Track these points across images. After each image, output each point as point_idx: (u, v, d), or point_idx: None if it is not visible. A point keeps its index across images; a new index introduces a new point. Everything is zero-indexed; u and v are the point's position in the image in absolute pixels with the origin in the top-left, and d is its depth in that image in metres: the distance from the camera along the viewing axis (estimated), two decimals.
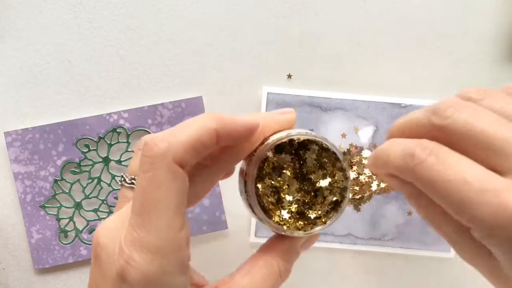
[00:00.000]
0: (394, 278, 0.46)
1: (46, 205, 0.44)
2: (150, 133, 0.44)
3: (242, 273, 0.29)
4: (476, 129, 0.23)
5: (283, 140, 0.29)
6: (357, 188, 0.44)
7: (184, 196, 0.26)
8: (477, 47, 0.45)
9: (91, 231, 0.44)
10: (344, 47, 0.45)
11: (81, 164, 0.44)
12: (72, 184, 0.44)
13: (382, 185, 0.44)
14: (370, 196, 0.44)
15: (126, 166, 0.44)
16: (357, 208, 0.44)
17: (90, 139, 0.44)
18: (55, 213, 0.44)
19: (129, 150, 0.44)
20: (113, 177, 0.44)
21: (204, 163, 0.29)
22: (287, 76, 0.45)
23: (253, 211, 0.31)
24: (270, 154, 0.30)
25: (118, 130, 0.44)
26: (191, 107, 0.44)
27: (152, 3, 0.44)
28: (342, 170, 0.30)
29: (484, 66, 0.45)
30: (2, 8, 0.44)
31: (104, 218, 0.44)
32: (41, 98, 0.44)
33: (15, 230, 0.45)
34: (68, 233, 0.44)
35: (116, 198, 0.44)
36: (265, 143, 0.30)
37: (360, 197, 0.44)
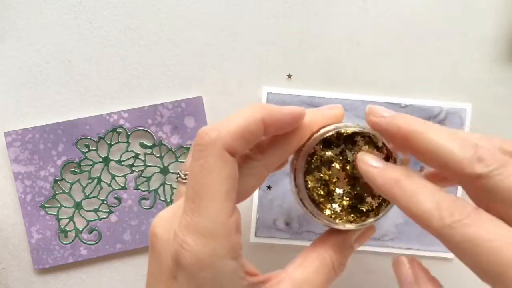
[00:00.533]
0: (394, 278, 0.46)
1: (46, 205, 0.44)
2: (150, 133, 0.44)
3: (295, 265, 0.29)
4: None
5: (331, 133, 0.29)
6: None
7: (235, 182, 0.27)
8: (477, 47, 0.45)
9: (91, 231, 0.44)
10: (344, 47, 0.45)
11: (81, 164, 0.44)
12: (72, 184, 0.44)
13: None
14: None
15: (126, 166, 0.44)
16: None
17: (90, 139, 0.44)
18: (55, 213, 0.44)
19: (129, 150, 0.44)
20: (113, 177, 0.44)
21: (254, 157, 0.29)
22: (287, 76, 0.45)
23: (304, 205, 0.30)
24: (318, 147, 0.30)
25: (118, 130, 0.44)
26: (191, 107, 0.44)
27: (152, 3, 0.44)
28: (393, 160, 0.29)
29: (484, 66, 0.45)
30: (2, 8, 0.44)
31: (104, 218, 0.44)
32: (41, 98, 0.44)
33: (15, 230, 0.45)
34: (68, 233, 0.44)
35: (116, 198, 0.44)
36: (313, 137, 0.30)
37: None
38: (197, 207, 0.26)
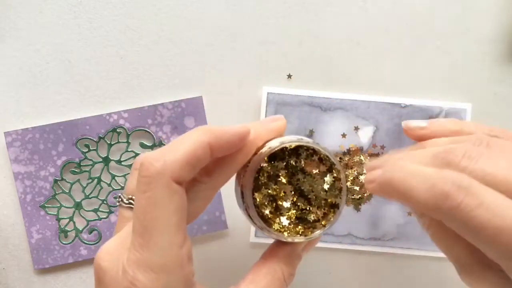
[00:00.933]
0: (394, 278, 0.46)
1: (46, 205, 0.44)
2: (150, 133, 0.44)
3: (246, 283, 0.29)
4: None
5: (276, 149, 0.30)
6: (357, 188, 0.44)
7: (184, 212, 0.26)
8: (477, 47, 0.45)
9: (91, 231, 0.44)
10: (344, 47, 0.45)
11: (81, 164, 0.44)
12: (72, 184, 0.44)
13: None
14: (370, 196, 0.44)
15: (126, 166, 0.44)
16: (357, 208, 0.44)
17: (90, 139, 0.44)
18: (55, 213, 0.44)
19: (129, 150, 0.44)
20: (113, 177, 0.44)
21: (199, 179, 0.29)
22: (287, 76, 0.45)
23: (252, 221, 0.31)
24: (264, 164, 0.30)
25: (118, 130, 0.44)
26: (191, 107, 0.44)
27: (152, 3, 0.44)
28: (337, 171, 0.30)
29: (484, 66, 0.45)
30: (2, 8, 0.44)
31: (104, 218, 0.44)
32: (41, 98, 0.44)
33: (15, 230, 0.45)
34: (68, 233, 0.44)
35: (115, 198, 0.44)
36: (259, 152, 0.30)
37: (360, 197, 0.44)
38: (146, 242, 0.25)
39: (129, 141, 0.44)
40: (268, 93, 0.44)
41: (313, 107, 0.44)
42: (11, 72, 0.44)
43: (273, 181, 0.30)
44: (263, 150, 0.30)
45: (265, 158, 0.30)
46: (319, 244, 0.44)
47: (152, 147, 0.44)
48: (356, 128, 0.44)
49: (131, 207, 0.30)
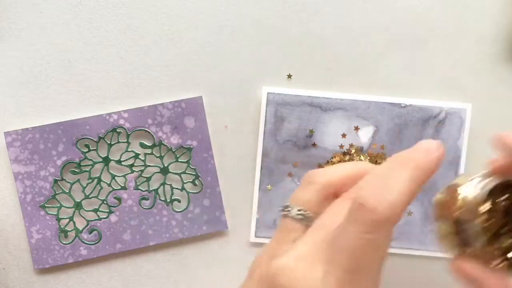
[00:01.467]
0: (394, 278, 0.46)
1: (46, 205, 0.44)
2: (150, 133, 0.44)
3: None
4: None
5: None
6: None
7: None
8: (477, 47, 0.45)
9: (91, 231, 0.44)
10: (344, 47, 0.45)
11: (81, 164, 0.44)
12: (72, 184, 0.44)
13: None
14: None
15: (126, 166, 0.44)
16: None
17: (90, 139, 0.44)
18: (55, 213, 0.44)
19: (129, 150, 0.44)
20: (113, 177, 0.44)
21: None
22: (287, 76, 0.45)
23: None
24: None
25: (118, 130, 0.44)
26: (191, 107, 0.44)
27: (152, 3, 0.44)
28: None
29: (484, 66, 0.45)
30: (2, 8, 0.44)
31: (104, 218, 0.44)
32: (41, 98, 0.44)
33: (15, 230, 0.45)
34: (68, 233, 0.44)
35: (116, 198, 0.44)
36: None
37: None
38: (357, 281, 0.26)
39: (129, 141, 0.44)
40: (268, 93, 0.44)
41: (313, 107, 0.44)
42: (11, 72, 0.44)
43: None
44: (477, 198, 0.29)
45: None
46: None
47: (152, 147, 0.44)
48: (356, 128, 0.44)
49: (298, 219, 0.30)
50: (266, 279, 0.27)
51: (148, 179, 0.44)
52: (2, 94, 0.44)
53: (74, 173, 0.44)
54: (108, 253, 0.44)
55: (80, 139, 0.44)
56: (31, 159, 0.43)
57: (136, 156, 0.44)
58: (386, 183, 0.26)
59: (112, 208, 0.44)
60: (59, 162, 0.44)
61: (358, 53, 0.45)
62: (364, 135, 0.44)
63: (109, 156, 0.44)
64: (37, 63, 0.44)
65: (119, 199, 0.44)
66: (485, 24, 0.45)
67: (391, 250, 0.44)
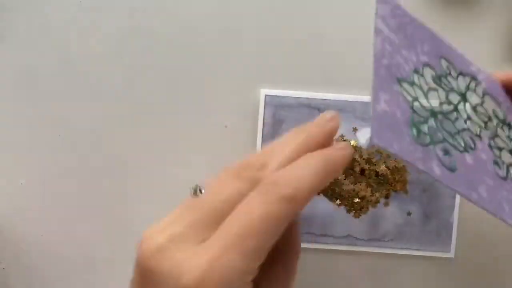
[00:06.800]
0: (394, 278, 0.46)
1: (403, 82, 0.33)
2: None
3: None
4: None
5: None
6: (358, 199, 0.44)
7: None
8: (477, 47, 0.45)
9: (446, 152, 0.31)
10: (343, 48, 0.45)
11: (441, 78, 0.35)
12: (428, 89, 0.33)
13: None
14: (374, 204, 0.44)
15: (480, 119, 0.35)
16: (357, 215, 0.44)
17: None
18: (410, 99, 0.32)
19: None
20: (469, 117, 0.35)
21: None
22: (286, 77, 0.45)
23: None
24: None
25: None
26: None
27: (152, 3, 0.44)
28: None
29: (484, 66, 0.45)
30: (2, 8, 0.44)
31: (460, 151, 0.32)
32: (41, 98, 0.45)
33: (15, 230, 0.45)
34: (421, 134, 0.31)
35: (472, 139, 0.33)
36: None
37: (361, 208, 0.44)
38: (245, 245, 0.25)
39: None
40: (266, 95, 0.44)
41: (311, 109, 0.44)
42: (11, 72, 0.44)
43: None
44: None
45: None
46: (320, 246, 0.44)
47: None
48: (355, 129, 0.44)
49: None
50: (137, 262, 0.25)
51: (501, 149, 0.33)
52: (2, 94, 0.44)
53: (433, 80, 0.34)
54: (464, 194, 0.29)
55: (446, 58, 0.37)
56: (398, 33, 0.35)
57: (489, 119, 0.35)
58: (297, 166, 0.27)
59: (467, 147, 0.33)
60: (422, 58, 0.35)
61: (358, 53, 0.45)
62: (362, 136, 0.44)
63: (467, 97, 0.36)
64: (37, 63, 0.44)
65: (474, 143, 0.33)
66: (485, 24, 0.44)
67: (391, 250, 0.44)
